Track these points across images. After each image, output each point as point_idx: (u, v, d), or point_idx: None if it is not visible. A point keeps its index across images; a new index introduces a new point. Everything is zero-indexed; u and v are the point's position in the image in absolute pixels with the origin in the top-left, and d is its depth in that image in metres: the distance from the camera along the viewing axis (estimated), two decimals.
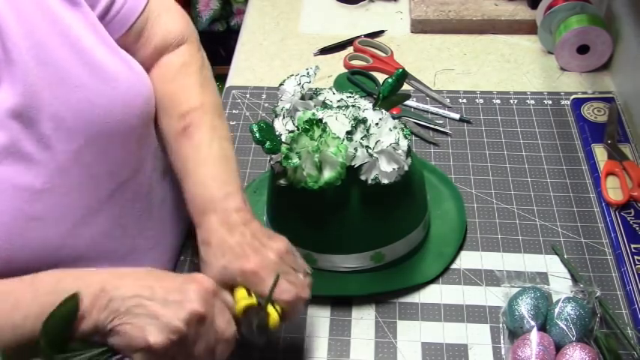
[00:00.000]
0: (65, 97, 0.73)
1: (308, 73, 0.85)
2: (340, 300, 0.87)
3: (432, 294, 0.87)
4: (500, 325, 0.83)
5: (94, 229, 0.78)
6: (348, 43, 1.28)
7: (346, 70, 1.22)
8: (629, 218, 0.92)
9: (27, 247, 0.71)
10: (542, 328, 0.79)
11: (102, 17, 0.79)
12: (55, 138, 0.72)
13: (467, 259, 0.91)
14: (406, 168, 0.80)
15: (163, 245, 0.91)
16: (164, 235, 0.91)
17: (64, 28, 0.74)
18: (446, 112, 1.12)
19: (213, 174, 0.77)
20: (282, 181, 0.82)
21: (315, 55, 1.27)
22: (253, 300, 0.67)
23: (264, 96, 1.18)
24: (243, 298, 0.67)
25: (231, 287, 0.70)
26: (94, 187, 0.77)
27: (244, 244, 0.71)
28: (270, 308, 0.67)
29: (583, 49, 1.16)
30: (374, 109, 0.82)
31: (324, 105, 0.83)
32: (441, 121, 1.11)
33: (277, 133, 0.80)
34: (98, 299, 0.62)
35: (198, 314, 0.63)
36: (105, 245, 0.80)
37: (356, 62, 1.25)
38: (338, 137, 0.77)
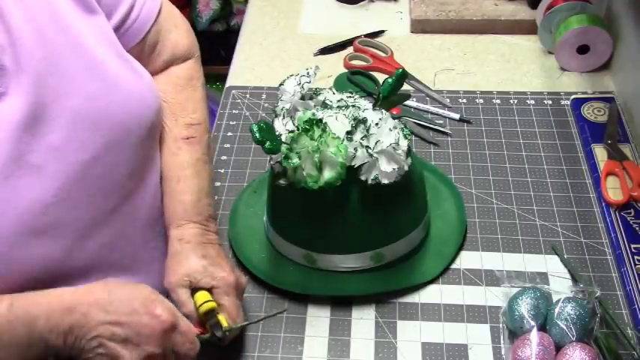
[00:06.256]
0: (76, 108, 0.73)
1: (308, 73, 0.85)
2: (340, 300, 0.87)
3: (432, 294, 0.87)
4: (500, 325, 0.83)
5: (98, 240, 0.78)
6: (348, 43, 1.28)
7: (346, 70, 1.22)
8: (629, 218, 0.92)
9: (27, 261, 0.71)
10: (542, 328, 0.79)
11: (119, 27, 0.84)
12: (65, 149, 0.72)
13: (467, 259, 0.91)
14: (406, 168, 0.80)
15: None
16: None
17: (77, 39, 0.75)
18: (446, 112, 1.12)
19: (206, 191, 0.87)
20: (282, 181, 0.82)
21: (315, 55, 1.27)
22: (214, 304, 0.76)
23: (264, 96, 1.18)
24: (207, 300, 0.76)
25: (193, 287, 0.78)
26: (101, 198, 0.77)
27: (218, 257, 0.81)
28: (221, 316, 0.77)
29: (583, 49, 1.16)
30: (374, 109, 0.82)
31: (324, 105, 0.83)
32: (441, 121, 1.11)
33: (277, 133, 0.80)
34: (67, 338, 0.68)
35: (154, 356, 0.69)
36: (108, 257, 0.80)
37: (356, 62, 1.25)
38: (338, 137, 0.77)
